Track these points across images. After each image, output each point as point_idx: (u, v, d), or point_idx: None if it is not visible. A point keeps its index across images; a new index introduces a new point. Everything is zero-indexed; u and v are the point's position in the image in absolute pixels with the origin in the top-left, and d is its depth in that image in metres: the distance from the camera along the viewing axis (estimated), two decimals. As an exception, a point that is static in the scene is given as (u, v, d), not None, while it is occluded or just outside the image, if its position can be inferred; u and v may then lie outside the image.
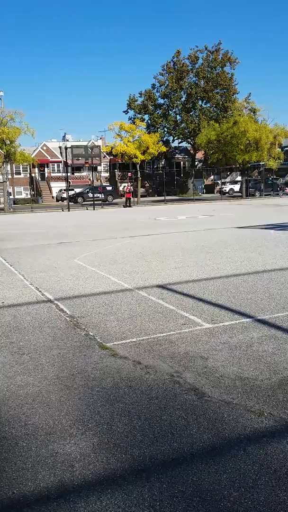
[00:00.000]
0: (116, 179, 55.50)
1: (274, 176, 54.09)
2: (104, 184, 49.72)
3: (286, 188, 46.64)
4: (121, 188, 34.06)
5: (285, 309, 4.85)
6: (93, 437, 2.51)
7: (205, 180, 55.72)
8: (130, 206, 32.70)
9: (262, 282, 6.19)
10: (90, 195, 40.37)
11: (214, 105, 46.68)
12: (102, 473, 2.21)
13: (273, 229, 13.19)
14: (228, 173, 60.48)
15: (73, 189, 44.11)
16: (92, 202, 33.81)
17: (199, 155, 52.57)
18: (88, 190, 43.25)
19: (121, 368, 3.45)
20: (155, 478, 2.15)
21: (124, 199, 34.99)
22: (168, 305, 5.23)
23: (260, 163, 41.61)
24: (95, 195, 35.68)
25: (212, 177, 59.08)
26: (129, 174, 41.62)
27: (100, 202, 38.12)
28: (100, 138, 60.44)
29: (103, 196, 41.09)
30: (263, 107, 39.51)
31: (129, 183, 35.66)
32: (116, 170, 55.94)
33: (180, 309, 5.05)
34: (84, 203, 40.51)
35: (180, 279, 6.64)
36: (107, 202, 40.18)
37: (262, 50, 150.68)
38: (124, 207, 32.99)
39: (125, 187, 33.62)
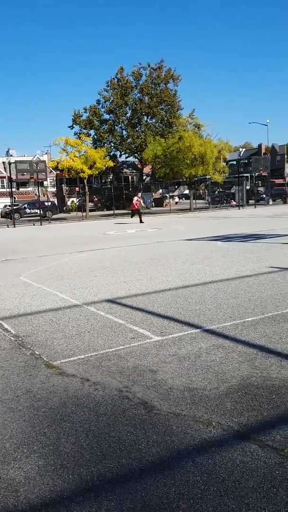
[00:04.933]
0: (64, 194, 55.08)
1: (220, 189, 55.74)
2: (45, 199, 48.66)
3: (232, 200, 48.12)
4: (134, 201, 28.00)
5: (232, 318, 4.95)
6: (39, 460, 2.42)
7: (153, 194, 56.43)
8: (141, 220, 26.46)
9: (210, 293, 6.30)
10: (28, 210, 39.41)
11: (159, 121, 47.67)
12: (48, 496, 2.12)
13: (220, 240, 13.51)
14: (176, 186, 61.63)
15: (18, 205, 42.93)
16: (39, 218, 32.99)
17: (147, 169, 53.30)
18: (25, 205, 41.80)
19: (69, 386, 3.37)
20: (103, 496, 2.09)
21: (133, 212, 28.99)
22: (117, 319, 5.20)
23: (206, 176, 42.73)
24: (33, 211, 34.39)
25: (160, 190, 59.95)
26: (77, 188, 41.35)
27: (38, 218, 34.07)
28: (46, 153, 59.94)
29: (41, 212, 36.41)
30: (206, 123, 40.76)
31: (139, 193, 30.98)
32: (63, 185, 55.54)
33: (130, 323, 5.02)
34: (21, 219, 37.99)
35: (130, 292, 6.63)
36: (46, 217, 36.52)
37: (204, 70, 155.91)
38: (135, 219, 27.63)
39: (136, 200, 27.76)
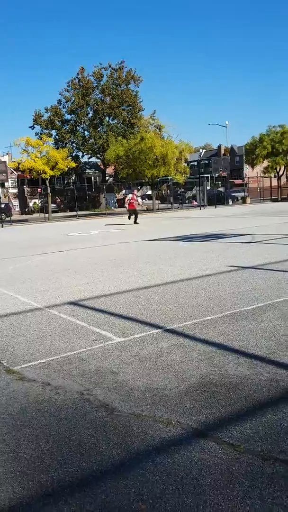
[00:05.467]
0: (25, 195, 54.19)
1: (182, 190, 56.32)
2: (7, 201, 47.51)
3: (194, 201, 48.74)
4: (127, 199, 24.16)
5: (192, 318, 5.03)
6: (-2, 468, 2.39)
7: (117, 195, 56.40)
8: (136, 221, 23.23)
9: (171, 293, 6.37)
10: None
11: (121, 122, 47.70)
12: (8, 504, 2.10)
13: (181, 240, 13.67)
14: (139, 187, 61.80)
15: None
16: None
17: (110, 170, 53.22)
18: None
19: (29, 391, 3.34)
20: (63, 501, 2.09)
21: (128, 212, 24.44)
22: (80, 321, 5.18)
23: (168, 177, 43.11)
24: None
25: (123, 191, 59.97)
26: (39, 190, 40.77)
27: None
28: (7, 154, 58.78)
29: None
30: (167, 124, 41.18)
31: (135, 190, 26.43)
32: (25, 186, 54.64)
33: (92, 325, 5.02)
34: None
35: (92, 294, 6.62)
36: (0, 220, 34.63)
37: (165, 71, 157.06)
38: (132, 221, 23.61)
39: (131, 197, 23.49)
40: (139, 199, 24.53)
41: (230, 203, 45.82)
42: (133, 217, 23.63)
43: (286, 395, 3.03)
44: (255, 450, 2.40)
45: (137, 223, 23.17)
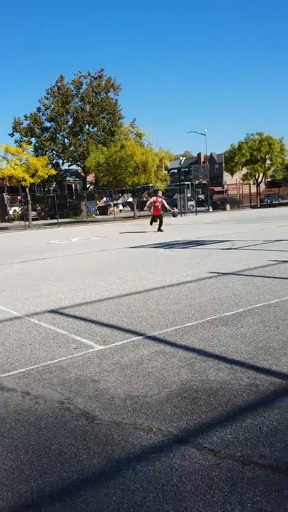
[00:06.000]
0: (5, 203, 53.64)
1: (163, 197, 56.39)
2: None
3: (174, 208, 49.04)
4: (149, 202, 20.97)
5: (173, 324, 5.05)
6: (-24, 480, 2.35)
7: (98, 202, 56.34)
8: (160, 228, 20.34)
9: (152, 300, 6.38)
10: None
11: (101, 129, 47.80)
12: (-14, 518, 2.07)
13: (162, 247, 13.72)
14: (120, 194, 61.84)
15: None
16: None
17: (90, 177, 53.15)
18: None
19: (8, 401, 3.29)
20: (43, 513, 2.07)
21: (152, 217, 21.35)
22: (60, 330, 5.14)
23: (149, 184, 43.31)
24: None
25: (104, 198, 59.93)
26: (19, 197, 40.45)
27: None
28: (-14, 162, 58.13)
29: None
30: (147, 132, 41.43)
31: (159, 192, 22.07)
32: (4, 193, 54.13)
33: (72, 333, 4.99)
34: None
35: (73, 302, 6.58)
36: None
37: (144, 80, 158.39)
38: (155, 227, 20.80)
39: (155, 200, 20.43)
40: (165, 202, 21.02)
41: (211, 209, 46.23)
42: (156, 223, 20.77)
43: (266, 399, 3.06)
44: (235, 455, 2.42)
45: (161, 230, 20.15)
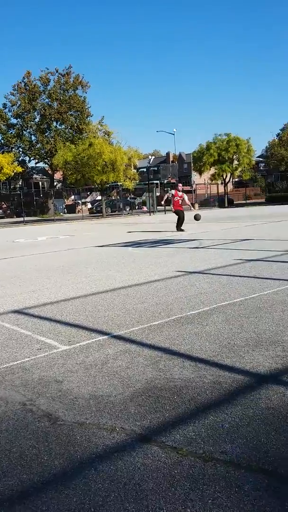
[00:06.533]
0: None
1: (132, 196, 56.55)
2: None
3: (144, 207, 49.11)
4: (167, 196, 18.35)
5: (139, 323, 5.05)
6: None
7: (65, 200, 55.80)
8: (179, 226, 17.77)
9: (119, 299, 6.37)
10: None
11: (69, 127, 47.39)
12: None
13: (131, 246, 13.72)
14: (88, 193, 61.48)
15: None
16: None
17: (58, 175, 52.63)
18: None
19: None
20: (2, 517, 2.03)
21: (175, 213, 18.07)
22: (24, 330, 5.06)
23: (118, 183, 43.22)
24: None
25: (72, 197, 59.44)
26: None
27: None
28: None
29: None
30: (116, 130, 41.34)
31: (180, 185, 18.64)
32: None
33: (36, 333, 4.91)
34: None
35: (38, 302, 6.49)
36: None
37: (112, 78, 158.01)
38: (178, 229, 17.75)
39: (174, 194, 17.63)
40: (185, 197, 17.88)
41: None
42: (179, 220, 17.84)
43: (228, 396, 3.10)
44: (197, 452, 2.44)
45: (181, 230, 17.61)
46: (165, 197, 18.91)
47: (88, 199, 58.66)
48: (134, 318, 5.27)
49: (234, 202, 51.59)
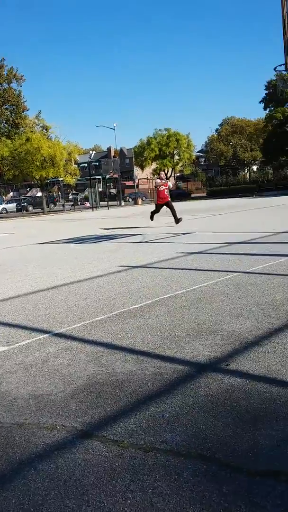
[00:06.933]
0: None
1: (74, 191, 55.87)
2: None
3: (86, 202, 48.66)
4: (155, 185, 16.65)
5: (81, 320, 5.01)
6: None
7: (4, 197, 54.11)
8: (177, 219, 15.84)
9: (61, 296, 6.28)
10: None
11: (5, 121, 45.94)
12: None
13: (73, 242, 13.57)
14: (28, 189, 59.99)
15: None
16: None
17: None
18: None
19: None
20: None
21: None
22: None
23: (59, 179, 42.50)
24: None
25: (11, 193, 57.76)
26: None
27: None
28: None
29: None
30: (54, 125, 40.54)
31: (162, 173, 18.13)
32: None
33: (-26, 335, 4.74)
34: None
35: (-24, 303, 6.25)
36: None
37: (50, 72, 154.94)
38: (175, 219, 15.94)
39: (159, 184, 16.07)
40: (170, 183, 16.59)
41: (123, 204, 46.61)
42: (159, 214, 16.53)
43: (169, 386, 3.16)
44: (138, 444, 2.46)
45: (179, 220, 15.81)
46: (155, 184, 16.93)
47: (29, 195, 57.17)
48: (76, 315, 5.22)
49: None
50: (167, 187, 16.31)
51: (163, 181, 16.45)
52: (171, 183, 16.50)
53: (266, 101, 53.91)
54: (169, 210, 16.13)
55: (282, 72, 11.99)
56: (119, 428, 2.64)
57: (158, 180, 16.53)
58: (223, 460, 2.27)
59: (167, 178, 16.43)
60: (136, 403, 2.95)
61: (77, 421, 2.76)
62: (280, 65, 11.01)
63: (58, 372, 3.56)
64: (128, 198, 51.06)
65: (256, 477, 2.12)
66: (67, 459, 2.36)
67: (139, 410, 2.85)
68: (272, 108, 52.49)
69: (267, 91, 53.60)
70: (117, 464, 2.29)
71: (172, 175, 52.50)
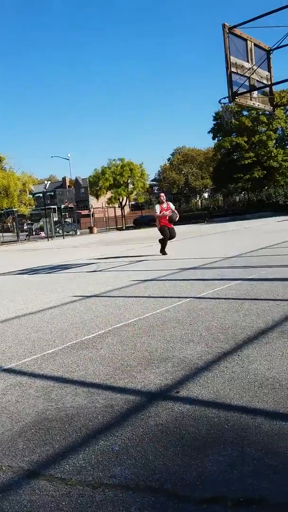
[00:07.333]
0: None
1: (29, 221, 55.19)
2: None
3: (41, 232, 48.18)
4: (157, 215, 13.59)
5: (32, 353, 4.90)
6: None
7: None
8: (163, 248, 13.99)
9: (11, 330, 6.13)
10: None
11: None
12: None
13: (26, 273, 13.34)
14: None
15: None
16: None
17: None
18: None
19: None
20: None
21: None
22: None
23: (13, 209, 41.97)
24: None
25: None
26: None
27: None
28: None
29: None
30: (8, 156, 40.32)
31: (162, 195, 14.40)
32: None
33: None
34: None
35: None
36: None
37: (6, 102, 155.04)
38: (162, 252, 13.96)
39: (160, 210, 13.62)
40: (171, 205, 14.05)
41: (78, 233, 46.47)
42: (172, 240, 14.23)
43: (120, 418, 3.13)
44: (86, 480, 2.41)
45: (165, 253, 13.93)
46: (156, 216, 13.96)
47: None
48: (27, 349, 5.10)
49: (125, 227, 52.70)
50: (169, 211, 13.61)
51: (164, 205, 13.70)
52: (172, 205, 14.05)
53: (214, 131, 56.04)
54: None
55: (227, 104, 12.55)
56: (67, 465, 2.58)
57: (158, 207, 13.69)
58: (171, 490, 2.26)
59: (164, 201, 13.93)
60: (85, 437, 2.90)
61: (24, 460, 2.67)
62: (224, 98, 11.55)
63: (6, 409, 3.45)
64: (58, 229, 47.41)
65: (204, 505, 2.13)
66: (12, 501, 2.27)
67: (88, 445, 2.80)
68: (220, 138, 54.63)
69: (215, 122, 55.79)
70: (64, 503, 2.23)
71: (127, 203, 53.10)
